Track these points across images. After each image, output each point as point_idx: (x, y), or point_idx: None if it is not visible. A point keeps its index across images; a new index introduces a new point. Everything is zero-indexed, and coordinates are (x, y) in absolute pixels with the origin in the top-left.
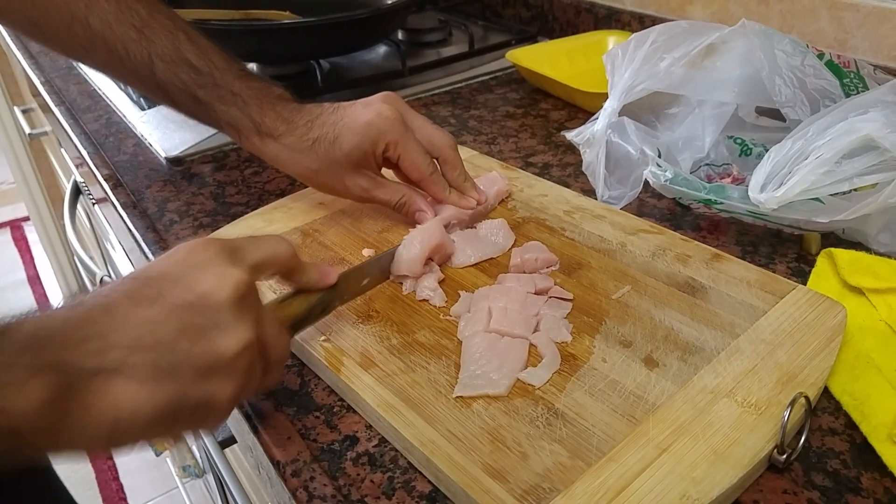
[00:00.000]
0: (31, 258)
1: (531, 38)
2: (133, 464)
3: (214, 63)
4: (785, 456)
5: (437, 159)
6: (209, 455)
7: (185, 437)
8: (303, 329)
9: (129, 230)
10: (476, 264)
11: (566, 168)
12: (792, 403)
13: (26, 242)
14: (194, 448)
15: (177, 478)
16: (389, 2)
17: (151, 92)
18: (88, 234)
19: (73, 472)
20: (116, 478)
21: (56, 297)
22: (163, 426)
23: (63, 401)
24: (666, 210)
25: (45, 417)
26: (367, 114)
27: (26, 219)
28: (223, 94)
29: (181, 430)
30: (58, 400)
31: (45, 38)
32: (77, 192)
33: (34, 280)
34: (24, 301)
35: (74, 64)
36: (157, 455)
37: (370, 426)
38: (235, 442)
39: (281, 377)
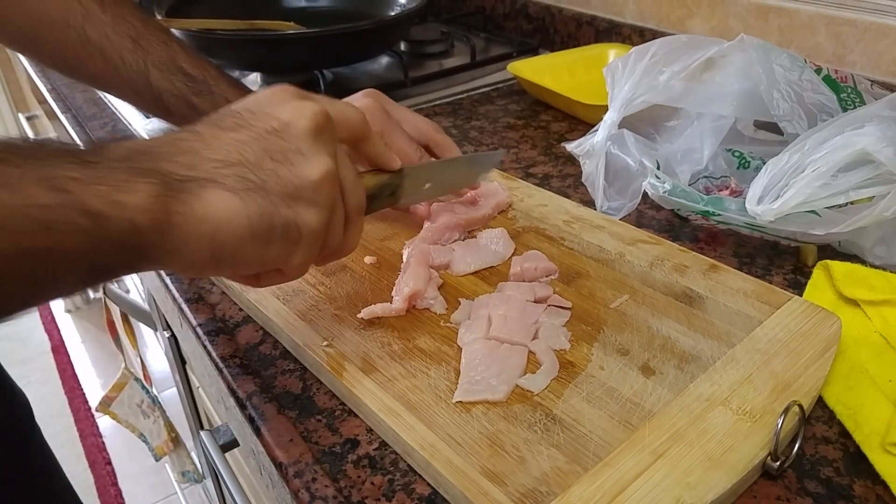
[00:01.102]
0: None
1: (532, 51)
2: (132, 469)
3: (209, 72)
4: (779, 463)
5: (428, 146)
6: (210, 459)
7: (281, 262)
8: (372, 209)
9: None
10: (476, 272)
11: (566, 179)
12: (786, 411)
13: None
14: (193, 454)
15: (175, 483)
16: (392, 13)
17: (146, 102)
18: None
19: (72, 478)
20: (115, 483)
21: (58, 306)
22: (258, 242)
23: (166, 200)
24: (664, 221)
25: (154, 214)
26: None
27: None
28: (219, 102)
29: (275, 254)
30: (162, 197)
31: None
32: None
33: None
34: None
35: None
36: (157, 460)
37: (371, 430)
38: (237, 445)
39: (357, 242)
